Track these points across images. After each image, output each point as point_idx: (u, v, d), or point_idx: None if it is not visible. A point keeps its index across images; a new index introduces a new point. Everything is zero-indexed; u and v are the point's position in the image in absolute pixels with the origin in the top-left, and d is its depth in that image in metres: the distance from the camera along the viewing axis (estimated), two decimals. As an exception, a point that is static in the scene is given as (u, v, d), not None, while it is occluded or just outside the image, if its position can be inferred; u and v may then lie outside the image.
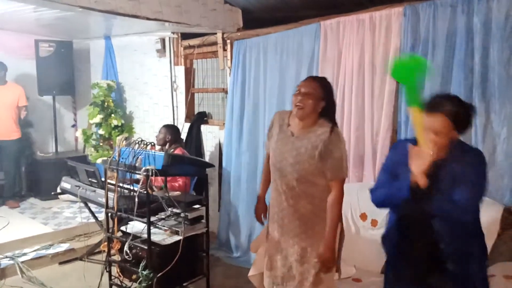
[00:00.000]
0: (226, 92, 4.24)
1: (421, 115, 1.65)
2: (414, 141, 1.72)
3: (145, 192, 2.70)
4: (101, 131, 5.12)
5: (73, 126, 6.07)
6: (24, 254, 3.72)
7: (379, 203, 1.86)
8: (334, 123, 2.09)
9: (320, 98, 2.05)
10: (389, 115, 2.95)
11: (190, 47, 4.63)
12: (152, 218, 2.81)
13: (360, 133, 3.13)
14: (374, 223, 2.95)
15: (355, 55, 3.09)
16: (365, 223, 2.99)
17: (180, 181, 3.51)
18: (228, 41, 4.13)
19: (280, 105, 3.49)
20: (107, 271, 2.97)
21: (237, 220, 3.96)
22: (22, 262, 3.56)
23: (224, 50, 4.19)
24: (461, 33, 2.60)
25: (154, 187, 2.76)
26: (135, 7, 3.44)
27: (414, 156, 1.64)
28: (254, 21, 3.94)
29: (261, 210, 2.41)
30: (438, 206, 1.67)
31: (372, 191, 1.86)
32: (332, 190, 2.07)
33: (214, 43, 4.27)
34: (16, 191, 5.08)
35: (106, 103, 5.09)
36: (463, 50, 2.60)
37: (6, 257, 3.62)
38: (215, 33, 4.17)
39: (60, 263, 3.74)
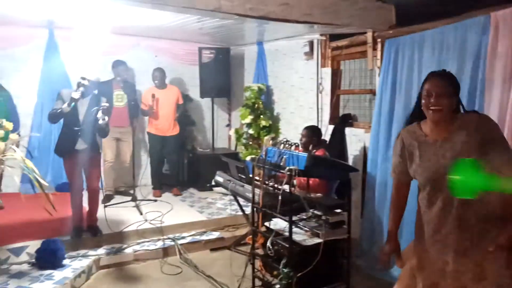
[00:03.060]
0: (374, 94, 4.05)
1: None
2: None
3: (288, 191, 2.77)
4: (251, 131, 5.47)
5: (227, 125, 6.64)
6: (183, 237, 4.21)
7: None
8: (471, 111, 1.97)
9: (452, 95, 1.90)
10: None
11: (337, 48, 4.58)
12: (294, 218, 2.86)
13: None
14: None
15: (535, 49, 2.60)
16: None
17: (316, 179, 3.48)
18: (379, 40, 3.94)
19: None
20: (251, 263, 3.14)
21: (381, 229, 3.74)
22: (180, 244, 4.03)
23: (374, 49, 4.01)
24: None
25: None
26: (285, 11, 3.55)
27: None
28: (408, 17, 3.66)
29: (391, 250, 2.15)
30: None
31: None
32: None
33: (363, 43, 4.13)
34: (179, 181, 5.79)
35: (256, 105, 5.41)
36: None
37: (169, 238, 4.14)
38: (365, 33, 4.03)
39: (211, 249, 4.12)
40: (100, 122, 3.70)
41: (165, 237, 4.16)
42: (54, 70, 5.15)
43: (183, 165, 6.02)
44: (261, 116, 5.44)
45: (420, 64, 3.42)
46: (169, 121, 5.46)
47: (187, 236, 4.24)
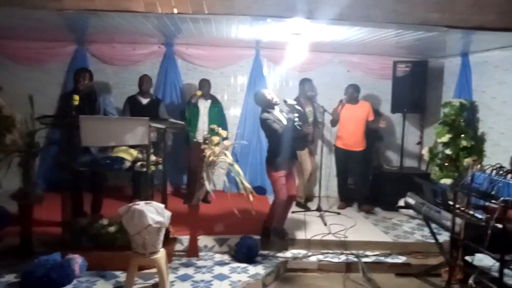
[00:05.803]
0: None
1: None
2: None
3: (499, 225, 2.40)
4: (448, 151, 4.95)
5: (419, 143, 6.20)
6: (366, 255, 4.10)
7: None
8: None
9: None
10: None
11: None
12: (506, 257, 2.46)
13: None
14: None
15: None
16: None
17: None
18: None
19: None
20: (445, 299, 2.85)
21: None
22: (364, 262, 3.94)
23: None
24: None
25: None
26: (504, 19, 3.14)
27: None
28: None
29: None
30: None
31: None
32: None
33: None
34: (363, 197, 5.66)
35: (456, 123, 4.89)
36: None
37: (352, 254, 4.10)
38: None
39: (396, 274, 3.88)
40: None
41: (348, 252, 4.14)
42: (258, 86, 5.78)
43: (368, 182, 5.88)
44: (462, 135, 4.87)
45: None
46: (356, 136, 5.43)
47: (371, 255, 4.11)
